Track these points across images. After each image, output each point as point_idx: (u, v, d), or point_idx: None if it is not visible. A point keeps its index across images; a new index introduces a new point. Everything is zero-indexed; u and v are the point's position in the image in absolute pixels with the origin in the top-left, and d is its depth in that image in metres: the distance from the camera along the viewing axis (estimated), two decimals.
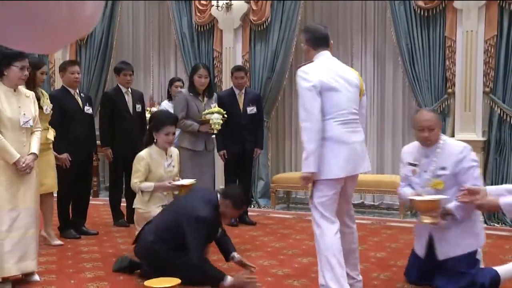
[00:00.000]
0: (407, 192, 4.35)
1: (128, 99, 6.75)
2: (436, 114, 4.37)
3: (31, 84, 5.19)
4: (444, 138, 4.28)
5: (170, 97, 7.39)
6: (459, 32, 7.07)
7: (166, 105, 7.28)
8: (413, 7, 7.32)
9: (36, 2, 0.63)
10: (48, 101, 5.70)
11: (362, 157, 3.98)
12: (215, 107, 6.23)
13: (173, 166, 5.25)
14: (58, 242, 5.85)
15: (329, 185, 3.86)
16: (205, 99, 6.36)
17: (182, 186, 5.07)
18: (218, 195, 4.63)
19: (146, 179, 5.07)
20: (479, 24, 6.95)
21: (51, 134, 5.70)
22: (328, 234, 3.86)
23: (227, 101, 6.78)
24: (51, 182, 5.71)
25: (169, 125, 5.17)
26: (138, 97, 6.97)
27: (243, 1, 8.31)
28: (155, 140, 5.17)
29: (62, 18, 0.66)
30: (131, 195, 7.08)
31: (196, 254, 4.32)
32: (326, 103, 3.81)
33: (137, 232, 4.85)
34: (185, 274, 4.22)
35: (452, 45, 7.11)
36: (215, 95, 6.65)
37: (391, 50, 8.06)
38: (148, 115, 7.54)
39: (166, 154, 5.21)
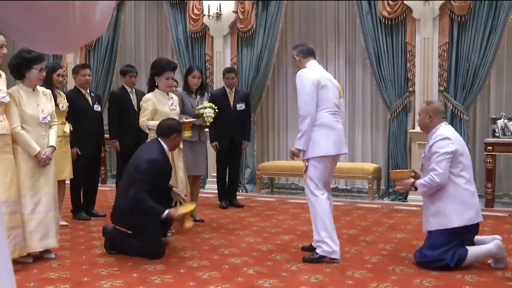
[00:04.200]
0: None
1: (133, 97, 6.72)
2: (428, 105, 4.39)
3: (48, 85, 5.20)
4: (442, 127, 4.27)
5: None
6: (418, 39, 7.14)
7: None
8: (379, 16, 7.38)
9: (54, 12, 0.63)
10: (65, 100, 5.78)
11: (344, 141, 4.57)
12: (207, 103, 6.30)
13: (176, 106, 5.33)
14: (63, 223, 5.80)
15: (322, 162, 4.37)
16: (198, 96, 6.35)
17: (184, 122, 5.22)
18: (159, 140, 4.79)
19: (153, 119, 5.12)
20: (434, 32, 7.04)
21: (67, 128, 5.77)
22: (322, 199, 4.36)
23: (219, 99, 6.82)
24: (68, 171, 5.78)
25: (168, 70, 5.23)
26: (142, 96, 7.00)
27: (231, 11, 8.36)
28: (156, 84, 5.25)
29: (77, 24, 0.65)
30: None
31: (138, 189, 4.46)
32: (319, 97, 4.37)
33: None
34: (145, 221, 4.43)
35: (412, 50, 7.18)
36: (205, 93, 6.70)
37: (360, 54, 8.10)
38: None
39: (168, 95, 5.29)
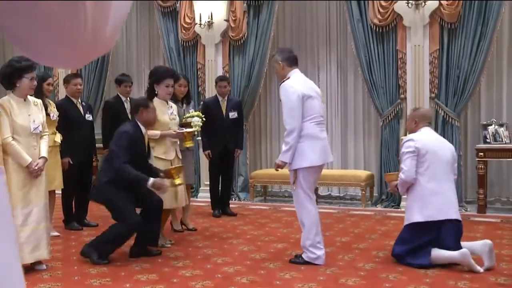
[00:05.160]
0: None
1: (127, 106, 6.64)
2: (415, 111, 4.79)
3: (38, 94, 5.17)
4: (419, 131, 4.59)
5: None
6: (408, 46, 7.17)
7: None
8: (370, 24, 7.40)
9: (64, 18, 0.60)
10: (55, 109, 5.74)
11: (329, 150, 4.65)
12: (194, 112, 6.26)
13: (175, 115, 5.30)
14: (55, 233, 5.77)
15: (309, 172, 4.45)
16: (184, 105, 6.31)
17: (187, 132, 5.21)
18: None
19: (153, 128, 5.12)
20: (425, 39, 7.07)
21: (58, 138, 5.73)
22: (311, 210, 4.48)
23: (212, 107, 6.83)
24: (59, 181, 5.74)
25: (168, 77, 5.20)
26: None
27: (223, 20, 8.37)
28: (156, 93, 5.21)
29: (87, 35, 0.63)
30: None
31: (120, 159, 4.58)
32: (305, 108, 4.42)
33: None
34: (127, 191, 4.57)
35: (403, 57, 7.21)
36: (191, 102, 6.69)
37: (352, 61, 8.12)
38: None
39: (167, 104, 5.26)
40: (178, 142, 5.43)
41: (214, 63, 8.50)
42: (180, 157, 5.40)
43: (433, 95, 7.12)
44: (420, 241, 4.33)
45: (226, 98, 7.04)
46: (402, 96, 7.32)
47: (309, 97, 4.44)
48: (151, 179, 4.62)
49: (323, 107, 4.71)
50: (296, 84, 4.47)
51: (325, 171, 7.58)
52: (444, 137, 6.94)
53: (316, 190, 4.95)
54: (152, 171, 4.89)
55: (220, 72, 8.30)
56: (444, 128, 7.06)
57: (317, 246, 4.49)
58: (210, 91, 8.26)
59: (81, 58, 0.69)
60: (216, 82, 7.15)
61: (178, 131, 5.21)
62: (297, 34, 8.73)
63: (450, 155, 4.52)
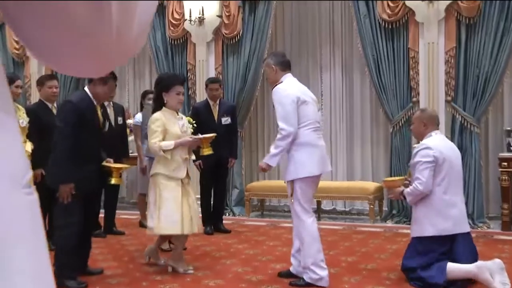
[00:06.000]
0: None
1: (110, 111, 6.64)
2: (423, 112, 4.86)
3: None
4: (430, 136, 4.66)
5: (142, 109, 7.37)
6: (421, 43, 7.17)
7: (141, 118, 7.26)
8: (378, 19, 7.39)
9: (89, 28, 0.61)
10: (24, 115, 5.66)
11: (327, 158, 4.78)
12: (187, 117, 6.22)
13: (187, 128, 5.20)
14: None
15: (307, 182, 4.50)
16: None
17: (204, 138, 5.11)
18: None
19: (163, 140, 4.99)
20: (439, 36, 7.06)
21: (29, 147, 5.65)
22: (309, 224, 4.51)
23: (202, 112, 6.81)
24: None
25: (178, 84, 5.12)
26: (120, 110, 6.97)
27: (215, 15, 8.34)
28: (165, 102, 5.09)
29: (112, 37, 0.63)
30: (110, 206, 7.09)
31: (61, 132, 4.63)
32: (300, 113, 4.50)
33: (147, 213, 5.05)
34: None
35: (415, 56, 7.20)
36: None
37: (358, 61, 8.12)
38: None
39: (177, 115, 5.17)
40: (192, 156, 5.30)
41: (205, 64, 8.49)
42: (191, 177, 5.27)
43: (449, 98, 7.09)
44: (433, 254, 4.42)
45: (218, 102, 7.03)
46: (414, 99, 7.30)
47: (303, 102, 4.54)
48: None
49: (319, 114, 4.82)
50: (290, 87, 4.60)
51: (329, 183, 7.62)
52: (462, 145, 6.99)
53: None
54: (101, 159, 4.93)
55: (212, 74, 8.30)
56: (462, 135, 7.04)
57: (320, 265, 4.50)
58: (201, 94, 8.24)
59: (104, 66, 0.70)
60: (206, 85, 7.13)
61: (194, 136, 5.12)
62: (297, 31, 8.71)
63: (460, 162, 4.72)
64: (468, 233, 4.55)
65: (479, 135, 7.07)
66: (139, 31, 0.66)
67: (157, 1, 0.71)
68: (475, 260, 4.38)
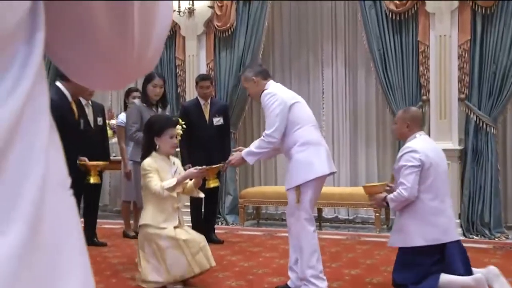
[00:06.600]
0: None
1: (89, 112, 6.58)
2: (406, 112, 4.87)
3: None
4: (415, 138, 4.70)
5: (126, 109, 7.27)
6: (432, 36, 7.15)
7: (124, 118, 7.14)
8: (385, 10, 7.37)
9: (117, 56, 0.69)
10: None
11: (331, 157, 4.78)
12: (174, 117, 6.18)
13: (179, 174, 5.11)
14: None
15: (316, 185, 4.54)
16: (159, 109, 6.30)
17: (211, 169, 5.07)
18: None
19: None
20: (452, 28, 7.04)
21: None
22: (311, 234, 4.52)
23: (192, 112, 6.78)
24: None
25: (172, 127, 5.07)
26: (100, 110, 6.89)
27: (206, 6, 8.29)
28: (157, 147, 5.00)
29: (133, 65, 0.71)
30: (90, 214, 6.97)
31: None
32: (299, 113, 4.61)
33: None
34: None
35: (426, 50, 7.18)
36: (168, 106, 6.57)
37: (363, 56, 8.13)
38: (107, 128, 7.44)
39: (169, 160, 5.08)
40: (179, 203, 5.20)
41: (196, 59, 8.48)
42: (184, 225, 5.17)
43: (462, 96, 7.06)
44: (424, 266, 4.46)
45: (209, 101, 7.00)
46: (424, 97, 7.28)
47: (295, 102, 4.65)
48: None
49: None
50: (277, 91, 4.69)
51: (331, 189, 7.55)
52: (477, 147, 6.96)
53: None
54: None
55: (203, 70, 8.28)
56: (476, 136, 7.01)
57: (319, 276, 4.52)
58: (191, 92, 8.21)
59: (124, 81, 0.77)
60: (197, 82, 7.09)
61: (200, 168, 5.02)
62: (296, 23, 8.70)
63: (446, 166, 4.77)
64: (459, 241, 4.59)
65: (496, 136, 7.04)
66: (154, 52, 0.73)
67: (171, 22, 0.76)
68: (469, 270, 4.40)
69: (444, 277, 4.36)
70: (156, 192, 4.79)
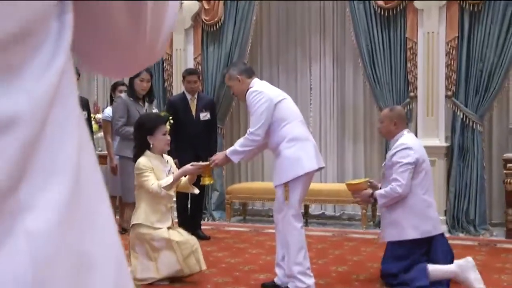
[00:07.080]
0: None
1: None
2: (392, 111, 4.98)
3: None
4: (404, 135, 4.83)
5: (112, 103, 7.24)
6: (420, 33, 7.18)
7: (111, 112, 7.12)
8: (373, 6, 7.39)
9: (131, 45, 0.73)
10: None
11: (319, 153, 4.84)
12: (162, 112, 6.17)
13: (173, 173, 5.09)
14: None
15: (304, 181, 4.57)
16: (146, 104, 6.27)
17: (207, 165, 5.01)
18: None
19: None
20: (440, 25, 7.07)
21: None
22: (299, 231, 4.56)
23: (179, 107, 6.77)
24: None
25: (163, 124, 5.05)
26: (84, 104, 6.86)
27: (194, 0, 8.27)
28: (151, 146, 4.97)
29: (145, 54, 0.76)
30: None
31: None
32: (286, 109, 4.66)
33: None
34: None
35: (414, 46, 7.21)
36: (154, 100, 6.55)
37: (351, 52, 8.13)
38: (93, 122, 7.42)
39: (163, 159, 5.08)
40: (174, 203, 5.24)
41: (183, 53, 8.46)
42: (176, 223, 5.21)
43: (449, 93, 7.10)
44: (414, 256, 4.62)
45: (196, 96, 6.99)
46: (411, 94, 7.31)
47: (282, 99, 4.68)
48: None
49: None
50: (263, 88, 4.71)
51: (318, 185, 7.56)
52: (463, 144, 7.02)
53: None
54: None
55: (190, 64, 8.26)
56: (463, 133, 7.06)
57: (306, 273, 4.56)
58: (178, 87, 8.19)
59: (135, 69, 0.82)
60: (183, 77, 7.09)
61: (197, 163, 5.02)
62: (285, 18, 8.69)
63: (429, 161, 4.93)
64: (443, 234, 4.82)
65: (482, 134, 7.09)
66: (162, 44, 0.78)
67: (176, 20, 0.81)
68: (452, 261, 4.59)
69: (431, 266, 4.52)
70: (153, 192, 4.77)
